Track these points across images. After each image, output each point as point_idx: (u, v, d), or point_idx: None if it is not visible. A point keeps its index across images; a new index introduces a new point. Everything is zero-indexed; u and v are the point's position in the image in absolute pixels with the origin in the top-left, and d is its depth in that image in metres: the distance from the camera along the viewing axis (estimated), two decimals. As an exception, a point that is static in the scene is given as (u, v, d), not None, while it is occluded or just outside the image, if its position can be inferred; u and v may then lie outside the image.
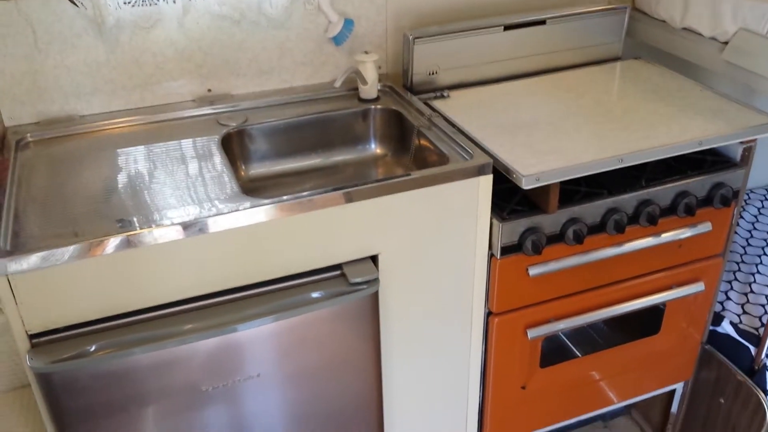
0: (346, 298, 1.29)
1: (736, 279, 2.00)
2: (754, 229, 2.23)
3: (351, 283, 1.31)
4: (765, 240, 2.17)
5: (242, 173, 1.58)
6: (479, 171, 1.38)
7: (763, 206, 2.35)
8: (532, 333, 1.55)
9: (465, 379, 1.61)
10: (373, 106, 1.64)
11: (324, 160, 1.65)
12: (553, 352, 1.85)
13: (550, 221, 1.45)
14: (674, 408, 1.99)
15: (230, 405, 1.33)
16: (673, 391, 1.97)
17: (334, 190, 1.28)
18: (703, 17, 1.68)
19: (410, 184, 1.33)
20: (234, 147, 1.56)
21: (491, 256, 1.47)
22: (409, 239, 1.38)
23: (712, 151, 1.63)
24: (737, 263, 2.07)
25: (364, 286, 1.31)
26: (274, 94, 1.68)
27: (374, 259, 1.38)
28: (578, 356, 1.73)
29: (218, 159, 1.42)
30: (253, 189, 1.56)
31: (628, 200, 1.50)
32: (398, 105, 1.64)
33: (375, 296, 1.35)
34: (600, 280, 1.58)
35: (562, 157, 1.39)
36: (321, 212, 1.28)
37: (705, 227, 1.58)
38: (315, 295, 1.27)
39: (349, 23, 1.65)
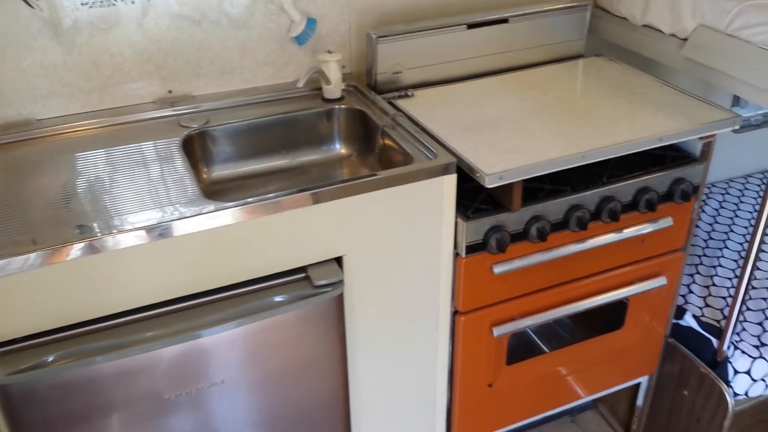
0: (310, 301, 1.28)
1: (698, 272, 2.03)
2: (716, 222, 2.27)
3: (315, 285, 1.30)
4: (726, 234, 2.21)
5: (204, 176, 1.56)
6: (443, 170, 1.38)
7: (724, 200, 2.39)
8: (497, 331, 1.56)
9: (432, 378, 1.61)
10: (337, 106, 1.63)
11: (288, 161, 1.64)
12: (521, 348, 1.87)
13: (514, 219, 1.46)
14: (640, 401, 2.02)
15: (195, 413, 1.32)
16: (638, 385, 2.00)
17: (298, 191, 1.27)
18: (663, 14, 1.70)
19: (374, 185, 1.32)
20: (196, 149, 1.54)
21: (456, 255, 1.47)
22: (373, 240, 1.38)
23: (672, 147, 1.65)
24: (699, 257, 2.10)
25: (329, 289, 1.30)
26: (236, 95, 1.66)
27: (339, 260, 1.37)
28: (545, 351, 1.74)
29: (180, 162, 1.39)
30: (216, 192, 1.55)
31: (590, 197, 1.51)
32: (362, 104, 1.64)
33: (340, 298, 1.35)
34: (564, 276, 1.60)
35: (526, 155, 1.40)
36: (284, 214, 1.27)
37: (666, 222, 1.60)
38: (278, 299, 1.25)
39: (311, 22, 1.64)
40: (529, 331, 1.92)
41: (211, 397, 1.31)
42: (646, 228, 1.59)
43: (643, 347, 1.84)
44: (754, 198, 2.39)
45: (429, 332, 1.55)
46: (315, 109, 1.62)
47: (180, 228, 1.20)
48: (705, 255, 2.11)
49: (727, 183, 2.48)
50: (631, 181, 1.54)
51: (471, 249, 1.45)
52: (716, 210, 2.33)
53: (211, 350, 1.27)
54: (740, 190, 2.44)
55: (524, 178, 1.37)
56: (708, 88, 2.18)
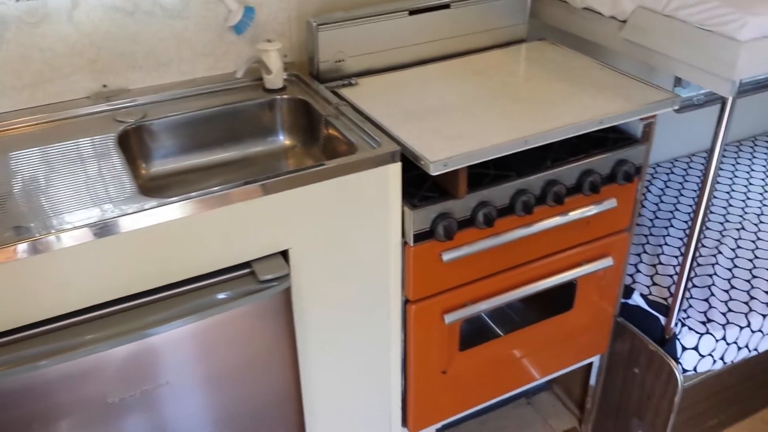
0: (256, 297, 1.26)
1: (645, 252, 2.07)
2: (661, 202, 2.31)
3: (261, 280, 1.27)
4: (671, 213, 2.25)
5: (143, 171, 1.52)
6: (387, 159, 1.36)
7: (669, 179, 2.43)
8: (449, 318, 1.55)
9: (386, 368, 1.60)
10: (279, 96, 1.60)
11: (231, 154, 1.60)
12: (475, 333, 1.87)
13: (460, 206, 1.46)
14: (592, 380, 2.05)
15: (142, 415, 1.28)
16: (590, 364, 2.03)
17: (240, 185, 1.24)
18: (602, -3, 1.71)
19: (317, 176, 1.30)
20: (133, 144, 1.49)
21: (404, 243, 1.46)
22: (319, 232, 1.36)
23: (614, 129, 1.67)
24: (646, 236, 2.14)
25: (275, 283, 1.28)
26: (174, 87, 1.61)
27: (285, 254, 1.35)
28: (500, 335, 1.75)
29: (116, 158, 1.35)
30: (155, 188, 1.50)
31: (534, 181, 1.52)
32: (305, 94, 1.61)
33: (287, 292, 1.32)
34: (512, 261, 1.60)
35: (470, 141, 1.39)
36: (226, 209, 1.24)
37: (610, 204, 1.61)
38: (221, 296, 1.23)
39: (249, 11, 1.60)
40: (483, 315, 1.92)
41: (158, 398, 1.28)
42: (591, 210, 1.60)
43: (594, 327, 1.87)
44: (698, 177, 2.44)
45: (380, 322, 1.54)
46: (256, 100, 1.59)
47: (116, 227, 1.16)
48: (651, 234, 2.14)
49: (671, 163, 2.53)
50: (574, 164, 1.55)
51: (419, 237, 1.44)
52: (661, 190, 2.37)
53: (156, 351, 1.24)
54: (684, 170, 2.49)
55: (469, 164, 1.37)
56: (650, 69, 2.20)
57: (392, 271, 1.48)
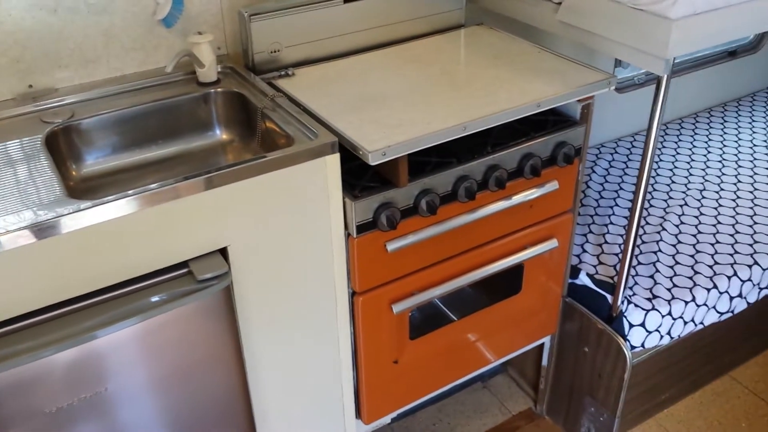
0: (194, 297, 1.22)
1: (591, 232, 2.09)
2: (606, 182, 2.33)
3: (199, 280, 1.24)
4: (616, 192, 2.28)
5: (73, 173, 1.47)
6: (325, 150, 1.34)
7: (613, 159, 2.46)
8: (397, 308, 1.54)
9: (336, 361, 1.59)
10: (213, 90, 1.56)
11: (166, 150, 1.56)
12: (428, 320, 1.87)
13: (402, 195, 1.44)
14: (545, 361, 2.07)
15: (83, 423, 1.24)
16: (542, 345, 2.04)
17: (169, 183, 1.20)
18: (538, -20, 1.71)
19: (253, 170, 1.27)
20: (61, 145, 1.44)
21: (348, 235, 1.44)
22: (258, 227, 1.33)
23: (553, 111, 1.67)
24: (591, 216, 2.16)
25: (214, 282, 1.25)
26: (103, 85, 1.56)
27: (224, 251, 1.31)
28: (451, 321, 1.75)
29: (43, 160, 1.30)
30: (87, 189, 1.45)
31: (476, 167, 1.51)
32: (240, 87, 1.57)
33: (227, 291, 1.29)
34: (458, 247, 1.60)
35: (409, 129, 1.37)
36: (160, 207, 1.20)
37: (552, 186, 1.62)
38: (156, 298, 1.19)
39: (178, 3, 1.55)
40: (435, 301, 1.92)
41: (99, 405, 1.24)
42: (533, 193, 1.60)
43: (543, 308, 1.88)
44: (641, 156, 2.47)
45: (328, 316, 1.52)
46: (190, 95, 1.55)
47: (43, 231, 1.11)
48: (597, 214, 2.17)
49: (615, 143, 2.56)
50: (514, 149, 1.55)
51: (362, 228, 1.43)
52: (606, 170, 2.40)
53: (95, 356, 1.20)
54: (628, 149, 2.52)
55: (408, 152, 1.35)
56: (590, 51, 2.22)
57: (336, 263, 1.46)
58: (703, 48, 1.54)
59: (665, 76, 1.50)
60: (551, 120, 1.64)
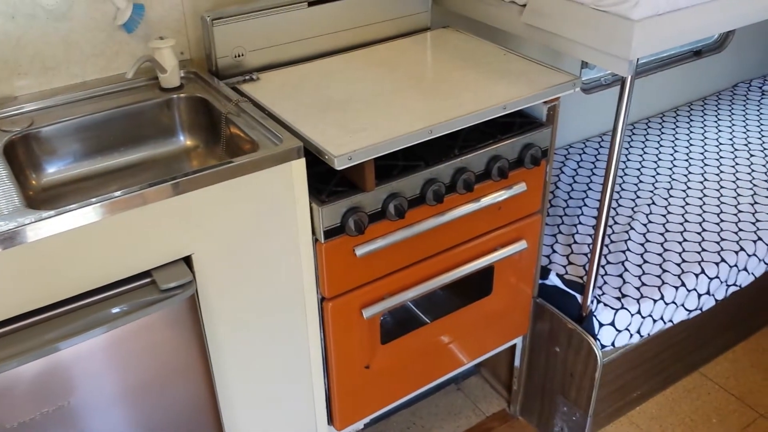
0: (158, 307, 1.20)
1: (560, 232, 2.10)
2: (574, 182, 2.35)
3: (162, 289, 1.22)
4: (584, 192, 2.29)
5: (33, 182, 1.43)
6: (291, 155, 1.32)
7: (581, 159, 2.48)
8: (367, 312, 1.53)
9: (307, 368, 1.57)
10: (176, 95, 1.54)
11: (129, 158, 1.53)
12: (398, 323, 1.86)
13: (370, 199, 1.43)
14: (517, 362, 2.07)
15: (45, 438, 1.21)
16: (514, 346, 2.05)
17: (131, 192, 1.17)
18: (502, -18, 1.71)
19: (216, 177, 1.25)
20: (20, 154, 1.41)
21: (315, 240, 1.43)
22: (223, 235, 1.31)
23: (520, 114, 1.67)
24: (560, 217, 2.17)
25: (178, 291, 1.23)
26: (63, 92, 1.53)
27: (189, 260, 1.29)
28: (422, 325, 1.74)
29: (1, 170, 1.26)
30: (48, 199, 1.42)
31: (444, 170, 1.51)
32: (204, 92, 1.55)
33: (192, 300, 1.27)
34: (428, 250, 1.59)
35: (375, 133, 1.36)
36: (120, 216, 1.18)
37: (520, 188, 1.62)
38: (117, 309, 1.17)
39: (138, 8, 1.53)
40: (408, 303, 1.91)
41: (62, 418, 1.21)
42: (501, 195, 1.60)
43: (514, 309, 1.88)
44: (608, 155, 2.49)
45: (297, 322, 1.50)
46: (152, 100, 1.52)
47: (1, 243, 1.08)
48: (566, 215, 2.18)
49: (583, 143, 2.58)
50: (481, 151, 1.55)
51: (330, 233, 1.41)
52: (574, 170, 2.41)
53: (54, 370, 1.17)
54: (596, 149, 2.54)
55: (374, 156, 1.34)
56: (556, 53, 2.23)
57: (305, 269, 1.45)
58: (667, 49, 1.55)
59: (629, 77, 1.51)
60: (518, 122, 1.64)
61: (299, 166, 1.34)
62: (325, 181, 1.45)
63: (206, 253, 1.30)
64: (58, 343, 1.13)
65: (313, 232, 1.42)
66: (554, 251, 2.01)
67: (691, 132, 2.67)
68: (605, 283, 1.90)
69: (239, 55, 1.62)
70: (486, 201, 1.59)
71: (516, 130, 1.61)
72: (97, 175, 1.50)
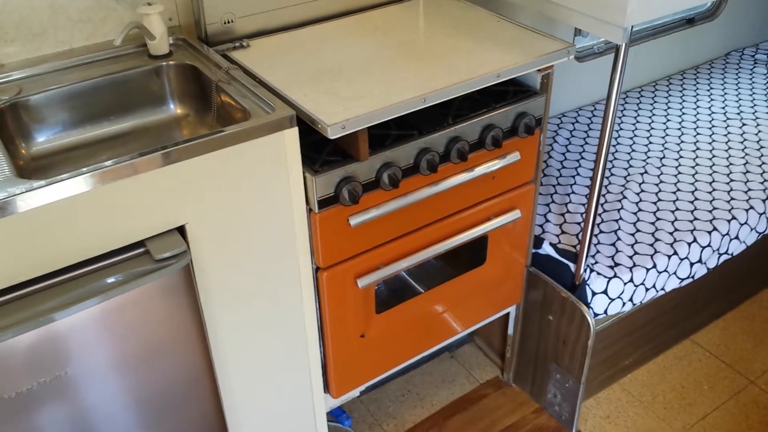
0: (152, 277, 1.19)
1: (553, 201, 2.10)
2: (567, 151, 2.34)
3: (156, 260, 1.21)
4: (577, 161, 2.29)
5: (23, 151, 1.41)
6: (283, 124, 1.31)
7: (574, 128, 2.47)
8: (362, 282, 1.53)
9: (302, 337, 1.57)
10: (165, 63, 1.51)
11: (119, 126, 1.51)
12: (395, 292, 1.86)
13: (364, 168, 1.42)
14: (510, 330, 2.09)
15: (45, 408, 1.21)
16: (507, 315, 2.06)
17: (123, 161, 1.16)
18: (497, -53, 1.69)
19: (208, 146, 1.24)
20: (9, 123, 1.38)
21: (309, 210, 1.42)
22: (217, 204, 1.30)
23: (513, 82, 1.66)
24: (554, 186, 2.17)
25: (172, 261, 1.22)
26: (51, 59, 1.50)
27: (183, 230, 1.28)
28: (417, 294, 1.74)
29: (-11, 140, 1.25)
30: (38, 168, 1.40)
31: (437, 139, 1.50)
32: (193, 59, 1.52)
33: (186, 270, 1.27)
34: (422, 220, 1.59)
35: (368, 102, 1.35)
36: (113, 186, 1.16)
37: (514, 157, 1.62)
38: (112, 279, 1.16)
39: (126, -26, 1.50)
40: (403, 273, 1.91)
41: (59, 388, 1.21)
42: (495, 164, 1.60)
43: (508, 278, 1.89)
44: (601, 124, 2.48)
45: (292, 292, 1.50)
46: (141, 68, 1.50)
47: (-7, 213, 1.07)
48: (559, 184, 2.18)
49: (576, 112, 2.57)
50: (475, 120, 1.53)
51: (324, 203, 1.41)
52: (567, 139, 2.41)
53: (51, 340, 1.16)
54: (589, 118, 2.53)
55: (368, 126, 1.33)
56: (550, 20, 2.21)
57: (299, 239, 1.44)
58: (662, 15, 1.53)
59: (623, 45, 1.50)
60: (511, 90, 1.63)
61: (292, 135, 1.33)
62: (318, 150, 1.43)
63: (200, 223, 1.29)
64: (53, 314, 1.13)
65: (307, 202, 1.41)
66: (547, 220, 2.01)
67: (684, 101, 2.66)
68: (598, 252, 1.91)
69: (229, 21, 1.59)
70: (479, 170, 1.58)
71: (510, 99, 1.60)
72: (88, 144, 1.48)
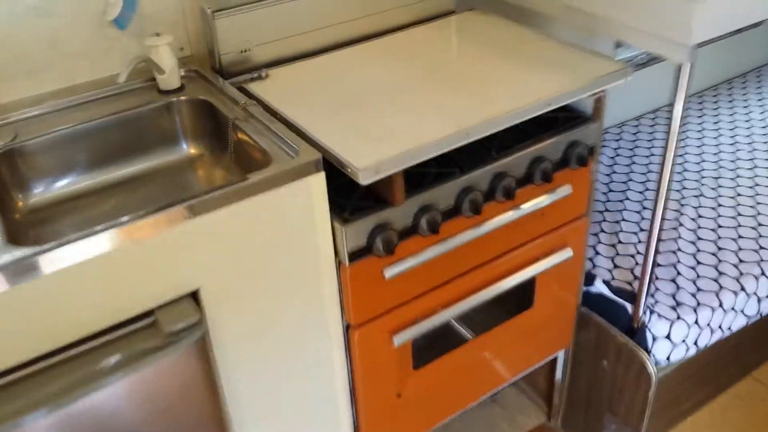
0: (163, 354, 1.04)
1: (602, 231, 1.91)
2: (614, 172, 2.16)
3: (167, 333, 1.05)
4: (625, 184, 2.10)
5: (20, 204, 1.27)
6: (309, 169, 1.15)
7: (619, 146, 2.28)
8: (398, 339, 1.37)
9: (333, 402, 1.41)
10: (176, 98, 1.37)
11: (127, 170, 1.37)
12: (433, 342, 1.69)
13: (399, 214, 1.26)
14: (558, 374, 1.90)
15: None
16: (555, 359, 1.88)
17: (124, 223, 1.01)
18: (538, -43, 1.52)
19: (233, 197, 1.08)
20: (3, 173, 1.24)
21: (339, 263, 1.26)
22: (234, 263, 1.14)
23: (562, 107, 1.48)
24: (601, 213, 1.98)
25: (185, 333, 1.06)
26: (50, 98, 1.36)
27: (196, 294, 1.13)
28: (461, 339, 1.57)
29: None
30: (38, 221, 1.26)
31: (481, 176, 1.33)
32: (207, 93, 1.37)
33: (202, 341, 1.11)
34: (464, 266, 1.42)
35: (402, 139, 1.19)
36: (115, 250, 1.01)
37: (565, 191, 1.44)
38: (114, 360, 1.00)
39: (130, 2, 1.35)
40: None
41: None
42: (544, 200, 1.42)
43: (557, 321, 1.71)
44: (648, 141, 2.30)
45: (321, 353, 1.34)
46: (149, 105, 1.35)
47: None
48: (607, 210, 1.99)
49: (619, 128, 2.38)
50: (522, 153, 1.36)
51: (355, 255, 1.24)
52: (612, 159, 2.22)
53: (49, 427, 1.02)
54: (634, 134, 2.34)
55: (403, 167, 1.17)
56: (588, 34, 2.03)
57: (327, 296, 1.28)
58: (731, 30, 1.36)
59: (689, 64, 1.32)
60: (561, 117, 1.45)
61: (319, 180, 1.17)
62: (346, 194, 1.27)
63: (216, 286, 1.13)
64: (27, 416, 0.96)
65: (336, 254, 1.25)
66: (597, 253, 1.83)
67: (734, 112, 2.46)
68: (657, 289, 1.72)
69: (245, 50, 1.44)
70: (528, 207, 1.41)
71: (559, 127, 1.43)
72: (92, 191, 1.33)
